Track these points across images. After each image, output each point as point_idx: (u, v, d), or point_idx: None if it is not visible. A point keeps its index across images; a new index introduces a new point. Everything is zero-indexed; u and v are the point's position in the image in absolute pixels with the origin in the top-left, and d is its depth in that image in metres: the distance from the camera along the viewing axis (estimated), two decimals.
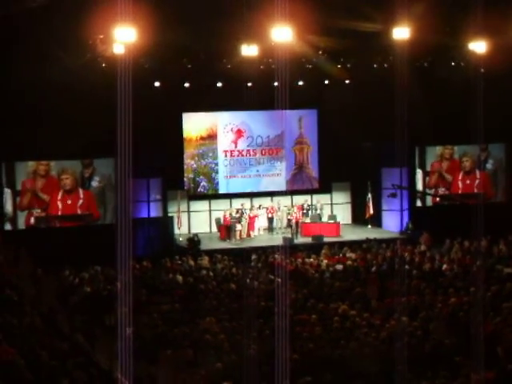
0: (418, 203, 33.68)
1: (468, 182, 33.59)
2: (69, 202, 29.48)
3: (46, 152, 28.46)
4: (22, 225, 28.99)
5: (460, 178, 33.64)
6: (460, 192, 33.54)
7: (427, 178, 33.40)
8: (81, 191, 29.64)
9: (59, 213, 29.37)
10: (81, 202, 29.67)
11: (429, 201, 33.93)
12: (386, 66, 28.48)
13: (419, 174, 33.28)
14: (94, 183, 29.84)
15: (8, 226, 28.89)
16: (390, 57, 27.33)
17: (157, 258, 26.64)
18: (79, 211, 29.71)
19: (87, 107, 26.01)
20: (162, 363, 17.11)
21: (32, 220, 29.10)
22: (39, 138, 26.84)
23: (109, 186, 29.29)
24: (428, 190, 33.58)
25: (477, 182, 33.62)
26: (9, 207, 28.91)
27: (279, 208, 32.53)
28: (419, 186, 33.45)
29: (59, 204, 29.34)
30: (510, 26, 24.64)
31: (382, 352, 16.92)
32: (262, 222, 32.31)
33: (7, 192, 28.83)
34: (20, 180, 28.91)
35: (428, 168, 33.36)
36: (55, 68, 23.97)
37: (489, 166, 33.93)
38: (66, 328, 19.78)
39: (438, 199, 33.91)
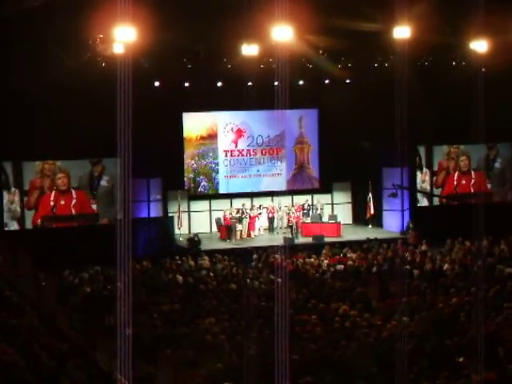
0: (425, 202, 33.75)
1: (464, 182, 33.73)
2: (62, 202, 29.53)
3: (52, 152, 28.53)
4: (29, 225, 29.08)
5: (456, 177, 33.77)
6: (456, 192, 33.75)
7: (434, 178, 33.51)
8: (73, 191, 29.68)
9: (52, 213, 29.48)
10: (74, 201, 29.72)
11: (436, 200, 34.04)
12: (386, 65, 28.53)
13: (427, 173, 33.37)
14: (103, 182, 29.98)
15: (15, 226, 28.95)
16: (391, 56, 27.39)
17: (157, 258, 26.71)
18: (73, 211, 29.76)
19: (89, 107, 26.04)
20: (161, 363, 17.15)
21: (39, 220, 29.22)
22: (45, 138, 26.93)
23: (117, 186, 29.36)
24: (435, 189, 33.66)
25: (472, 181, 33.75)
26: (16, 207, 28.98)
27: (280, 208, 32.57)
28: (427, 186, 33.53)
29: (52, 204, 29.39)
30: (510, 24, 24.68)
31: (382, 352, 16.95)
32: (262, 222, 32.35)
33: (15, 191, 28.91)
34: (28, 179, 29.00)
35: (435, 167, 33.45)
36: (56, 68, 23.97)
37: (497, 164, 34.10)
38: (66, 328, 19.83)
39: (444, 200, 33.99)
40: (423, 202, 33.82)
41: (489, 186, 34.03)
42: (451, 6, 23.79)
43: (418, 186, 33.44)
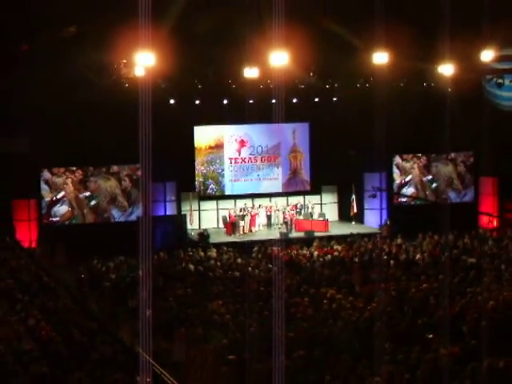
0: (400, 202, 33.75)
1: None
2: None
3: (85, 158, 28.66)
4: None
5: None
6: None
7: (407, 181, 33.58)
8: None
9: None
10: None
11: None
12: (367, 85, 28.50)
13: (398, 177, 33.39)
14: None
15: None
16: (371, 78, 27.38)
17: (172, 250, 26.65)
18: None
19: (116, 121, 25.99)
20: (176, 340, 17.17)
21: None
22: (79, 147, 27.01)
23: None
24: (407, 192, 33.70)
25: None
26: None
27: (277, 207, 32.59)
28: (402, 189, 33.52)
29: None
30: (472, 50, 24.68)
31: (364, 330, 16.95)
32: (261, 219, 32.28)
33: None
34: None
35: (408, 173, 33.47)
36: (87, 88, 23.93)
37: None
38: (95, 309, 19.84)
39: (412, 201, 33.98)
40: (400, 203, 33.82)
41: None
42: (421, 36, 23.84)
43: (395, 189, 33.45)
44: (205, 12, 23.01)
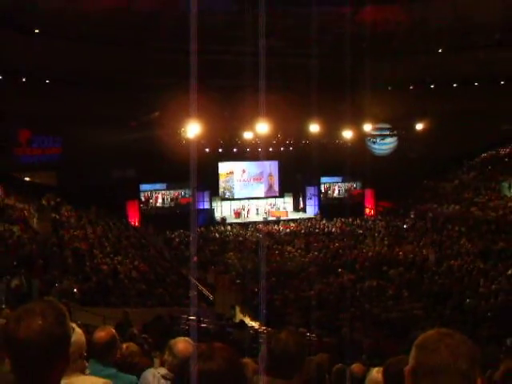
0: (325, 202, 33.56)
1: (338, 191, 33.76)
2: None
3: (162, 179, 28.56)
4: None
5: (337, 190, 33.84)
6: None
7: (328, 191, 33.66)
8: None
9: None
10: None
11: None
12: (307, 142, 28.57)
13: (324, 188, 33.50)
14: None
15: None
16: (309, 138, 27.54)
17: (207, 226, 26.75)
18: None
19: (176, 161, 25.71)
20: (209, 272, 17.35)
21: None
22: (154, 175, 27.02)
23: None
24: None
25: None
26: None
27: (261, 204, 32.74)
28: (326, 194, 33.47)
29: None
30: (360, 124, 24.91)
31: (306, 267, 17.18)
32: (253, 211, 32.36)
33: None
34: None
35: (327, 185, 33.59)
36: (165, 145, 23.81)
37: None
38: (168, 256, 19.96)
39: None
40: (325, 201, 33.86)
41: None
42: (335, 116, 23.96)
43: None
44: (222, 101, 23.12)
